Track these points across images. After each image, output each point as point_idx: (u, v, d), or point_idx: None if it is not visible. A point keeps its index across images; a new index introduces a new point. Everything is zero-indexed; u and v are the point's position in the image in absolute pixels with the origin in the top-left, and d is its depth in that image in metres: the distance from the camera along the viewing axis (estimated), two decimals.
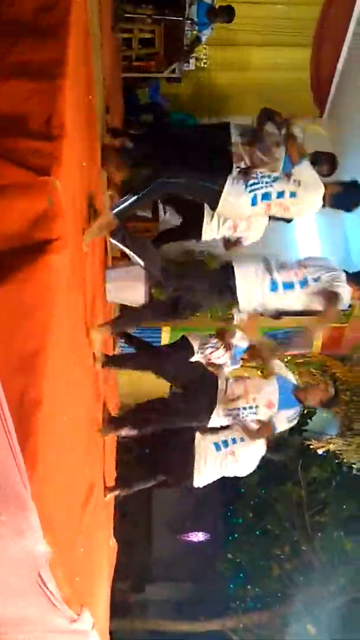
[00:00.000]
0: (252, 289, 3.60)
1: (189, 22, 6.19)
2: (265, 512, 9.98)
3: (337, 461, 6.93)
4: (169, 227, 5.06)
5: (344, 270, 3.65)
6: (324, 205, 3.70)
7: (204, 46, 7.52)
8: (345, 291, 3.57)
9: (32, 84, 2.37)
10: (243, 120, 4.34)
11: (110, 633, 4.77)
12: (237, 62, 8.06)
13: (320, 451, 6.50)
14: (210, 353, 4.46)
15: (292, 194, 3.61)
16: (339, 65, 7.77)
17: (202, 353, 4.45)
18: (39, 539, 1.83)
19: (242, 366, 4.93)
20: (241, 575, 10.80)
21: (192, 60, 7.49)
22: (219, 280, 3.71)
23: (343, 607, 9.23)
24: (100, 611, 3.95)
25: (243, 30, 7.67)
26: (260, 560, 10.16)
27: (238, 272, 3.62)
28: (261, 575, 10.21)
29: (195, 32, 6.43)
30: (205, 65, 7.95)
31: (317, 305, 3.63)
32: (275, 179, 3.62)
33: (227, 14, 6.26)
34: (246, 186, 3.58)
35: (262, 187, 3.60)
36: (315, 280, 3.57)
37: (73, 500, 2.62)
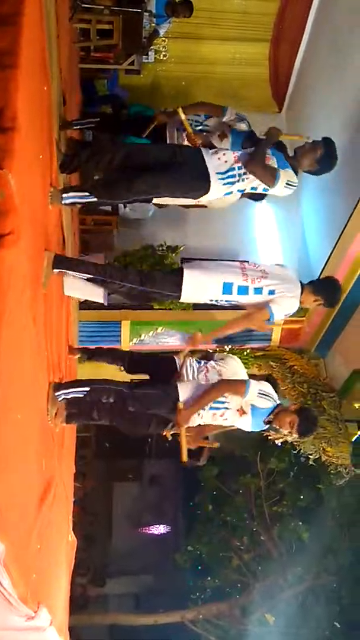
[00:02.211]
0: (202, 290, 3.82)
1: (147, 14, 6.15)
2: (225, 503, 10.10)
3: (294, 452, 7.03)
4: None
5: (300, 282, 3.94)
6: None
7: (163, 39, 7.50)
8: (292, 302, 3.88)
9: None
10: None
11: (70, 629, 4.75)
12: (196, 56, 8.05)
13: (278, 442, 6.59)
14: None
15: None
16: (297, 62, 7.86)
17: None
18: None
19: None
20: (201, 566, 10.91)
21: (151, 53, 7.45)
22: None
23: (301, 595, 9.42)
24: (59, 607, 3.93)
25: (202, 24, 7.68)
26: (219, 551, 10.27)
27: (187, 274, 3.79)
28: (220, 566, 10.33)
29: (153, 24, 6.40)
30: (165, 58, 7.93)
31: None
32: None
33: (187, 8, 6.25)
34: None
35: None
36: (271, 292, 3.82)
37: (28, 497, 2.60)
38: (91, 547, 11.40)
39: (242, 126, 4.34)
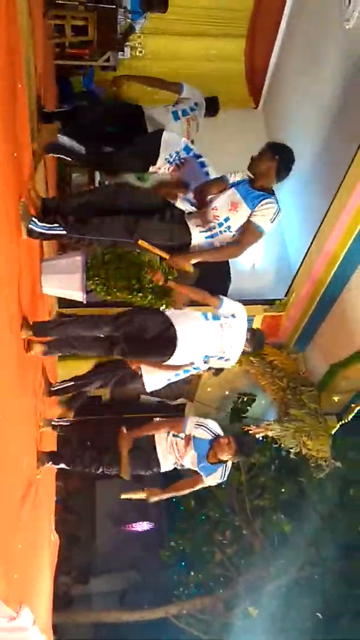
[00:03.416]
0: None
1: (122, 10, 6.12)
2: (207, 498, 10.13)
3: (275, 446, 7.09)
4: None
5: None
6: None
7: (139, 35, 7.46)
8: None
9: None
10: None
11: (54, 627, 4.75)
12: (172, 52, 8.02)
13: (259, 437, 6.64)
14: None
15: None
16: (273, 57, 7.87)
17: None
18: None
19: None
20: (184, 562, 10.94)
21: (127, 49, 7.41)
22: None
23: (283, 587, 9.50)
24: (42, 607, 3.93)
25: (178, 20, 7.64)
26: (202, 546, 10.32)
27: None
28: (204, 561, 10.38)
29: (129, 20, 6.36)
30: (141, 54, 7.88)
31: None
32: None
33: (162, 4, 6.21)
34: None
35: None
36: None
37: (8, 497, 2.59)
38: (75, 545, 11.37)
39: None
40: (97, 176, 6.30)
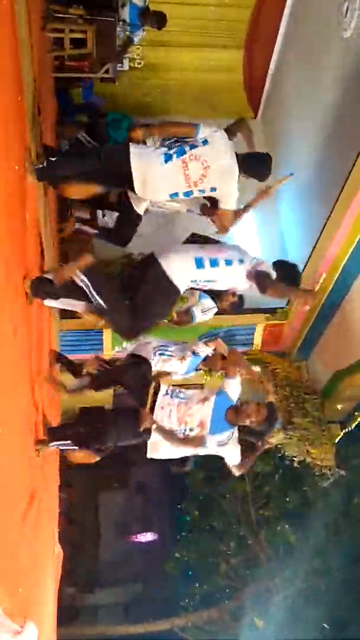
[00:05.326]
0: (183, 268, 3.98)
1: (120, 23, 6.15)
2: (212, 509, 10.09)
3: (279, 455, 7.05)
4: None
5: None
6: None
7: (138, 47, 7.50)
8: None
9: None
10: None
11: None
12: (170, 63, 8.06)
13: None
14: (165, 361, 4.50)
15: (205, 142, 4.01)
16: (271, 67, 7.92)
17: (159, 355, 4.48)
18: None
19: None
20: (189, 573, 10.87)
21: (125, 61, 7.45)
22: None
23: (289, 597, 9.44)
24: (46, 620, 3.90)
25: (176, 32, 7.68)
26: (207, 557, 10.26)
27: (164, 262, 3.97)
28: (209, 572, 10.31)
29: (127, 33, 6.39)
30: (139, 66, 7.92)
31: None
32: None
33: (157, 20, 6.23)
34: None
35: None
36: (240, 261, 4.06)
37: (11, 512, 2.57)
38: (79, 558, 11.31)
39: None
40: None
